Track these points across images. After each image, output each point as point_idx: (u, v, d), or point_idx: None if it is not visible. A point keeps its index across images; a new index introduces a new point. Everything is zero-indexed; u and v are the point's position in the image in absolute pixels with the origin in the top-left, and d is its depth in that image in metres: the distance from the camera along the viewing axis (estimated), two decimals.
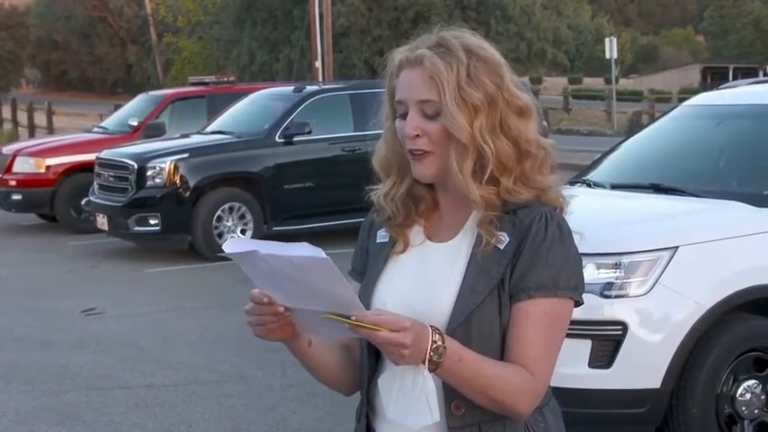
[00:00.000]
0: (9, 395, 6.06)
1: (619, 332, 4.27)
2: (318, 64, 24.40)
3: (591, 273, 4.20)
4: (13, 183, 12.85)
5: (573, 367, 4.12)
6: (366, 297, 1.86)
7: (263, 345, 6.04)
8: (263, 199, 10.71)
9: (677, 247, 4.34)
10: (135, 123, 13.22)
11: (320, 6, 24.49)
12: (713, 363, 4.34)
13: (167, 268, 10.15)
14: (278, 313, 1.73)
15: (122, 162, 10.84)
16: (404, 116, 1.83)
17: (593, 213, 4.55)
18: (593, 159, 6.46)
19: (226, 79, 15.08)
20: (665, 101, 35.12)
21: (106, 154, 11.37)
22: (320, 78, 23.61)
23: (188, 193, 10.46)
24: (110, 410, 5.71)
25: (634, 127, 23.00)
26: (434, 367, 1.68)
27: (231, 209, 10.60)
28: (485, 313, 1.78)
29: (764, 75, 41.66)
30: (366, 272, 1.95)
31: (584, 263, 1.89)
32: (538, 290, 1.77)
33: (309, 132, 10.94)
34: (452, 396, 1.78)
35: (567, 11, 49.78)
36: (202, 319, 7.93)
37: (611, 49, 29.48)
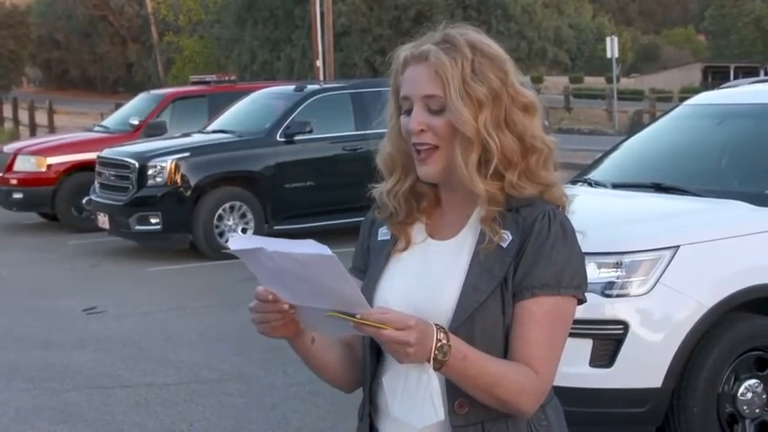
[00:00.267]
0: (10, 394, 6.06)
1: (620, 331, 4.27)
2: (319, 63, 24.40)
3: (592, 272, 4.19)
4: (14, 181, 12.85)
5: (574, 366, 4.11)
6: (368, 295, 1.86)
7: (265, 343, 6.05)
8: (263, 198, 10.72)
9: (678, 247, 4.34)
10: (136, 122, 13.22)
11: (321, 5, 24.48)
12: (714, 362, 4.34)
13: (168, 267, 10.15)
14: (282, 311, 1.73)
15: (123, 161, 10.84)
16: (408, 112, 1.84)
17: (594, 212, 4.55)
18: (594, 158, 6.46)
19: (227, 78, 15.08)
20: (666, 100, 35.11)
21: (107, 153, 11.37)
22: (321, 77, 23.61)
23: (189, 192, 10.47)
24: (111, 409, 5.72)
25: (635, 126, 23.00)
26: (439, 366, 1.68)
27: (232, 208, 10.61)
28: (488, 312, 1.78)
29: (765, 74, 41.65)
30: (367, 270, 1.95)
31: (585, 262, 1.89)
32: (541, 288, 1.77)
33: (310, 131, 10.94)
34: (456, 394, 1.78)
35: (569, 10, 49.76)
36: (203, 317, 7.93)
37: (612, 48, 29.47)
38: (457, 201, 1.88)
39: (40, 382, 6.27)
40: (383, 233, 1.94)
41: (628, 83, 55.64)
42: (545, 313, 1.78)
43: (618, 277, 4.30)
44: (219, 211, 10.51)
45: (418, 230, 1.91)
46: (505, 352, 1.79)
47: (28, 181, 12.78)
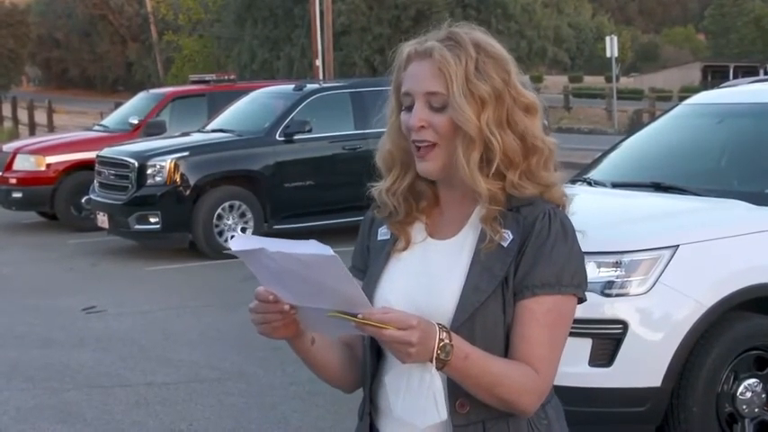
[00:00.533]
0: (10, 393, 6.06)
1: (619, 331, 4.27)
2: (319, 62, 24.40)
3: (591, 271, 4.19)
4: (13, 181, 12.85)
5: (573, 366, 4.11)
6: (368, 295, 1.85)
7: (264, 343, 6.05)
8: (263, 197, 10.72)
9: (678, 246, 4.34)
10: (135, 121, 13.22)
11: (321, 4, 24.48)
12: (714, 361, 4.34)
13: (168, 266, 10.15)
14: (283, 311, 1.73)
15: (123, 160, 10.84)
16: (409, 109, 1.83)
17: (593, 212, 4.55)
18: (594, 158, 6.46)
19: (226, 77, 15.08)
20: (665, 99, 35.12)
21: (107, 152, 11.37)
22: (321, 76, 23.62)
23: (188, 192, 10.47)
24: (110, 408, 5.72)
25: (635, 125, 23.00)
26: (441, 365, 1.68)
27: (231, 207, 10.61)
28: (489, 311, 1.78)
29: (765, 73, 41.65)
30: (367, 269, 1.95)
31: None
32: (542, 287, 1.77)
33: (310, 131, 10.94)
34: (457, 394, 1.78)
35: (568, 9, 49.79)
36: (203, 317, 7.93)
37: (611, 47, 29.46)
38: (456, 199, 1.88)
39: (40, 382, 6.27)
40: (383, 233, 1.94)
41: (627, 82, 55.67)
42: (545, 312, 1.78)
43: (617, 277, 4.30)
44: (219, 210, 10.51)
45: (418, 230, 1.91)
46: (506, 351, 1.79)
47: (27, 180, 12.78)
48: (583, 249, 1.85)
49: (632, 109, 31.11)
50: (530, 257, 1.78)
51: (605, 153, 6.17)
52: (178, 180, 10.45)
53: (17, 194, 12.82)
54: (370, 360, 1.89)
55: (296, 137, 10.89)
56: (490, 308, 1.78)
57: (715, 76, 51.06)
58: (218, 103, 12.88)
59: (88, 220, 11.80)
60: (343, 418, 5.31)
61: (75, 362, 6.69)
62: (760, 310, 4.51)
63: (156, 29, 55.97)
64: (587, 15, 54.08)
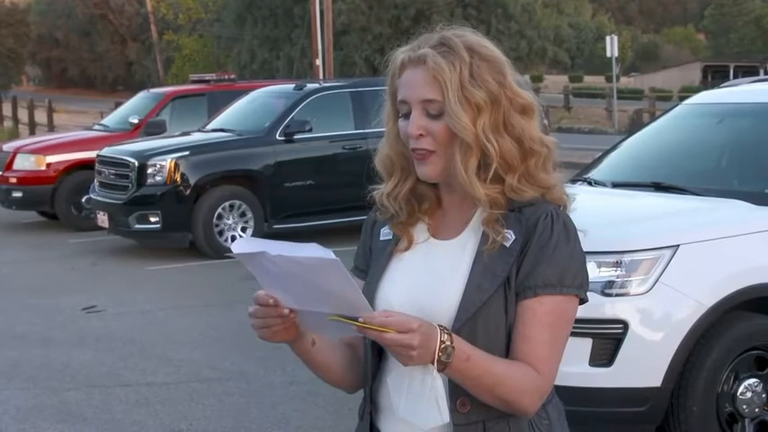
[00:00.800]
0: (10, 393, 6.06)
1: (619, 331, 4.27)
2: (319, 62, 24.40)
3: (592, 271, 4.17)
4: (13, 180, 12.85)
5: (574, 365, 4.11)
6: (370, 295, 1.86)
7: (264, 342, 6.00)
8: (263, 197, 10.71)
9: (678, 246, 4.34)
10: (135, 121, 13.22)
11: (321, 4, 24.48)
12: (714, 361, 4.34)
13: (168, 266, 10.15)
14: (283, 315, 1.73)
15: (123, 159, 10.84)
16: (407, 116, 1.83)
17: (594, 212, 4.55)
18: (594, 158, 6.46)
19: (226, 77, 15.07)
20: (665, 99, 35.12)
21: (107, 151, 11.37)
22: (321, 76, 23.61)
23: (188, 191, 10.46)
24: (111, 408, 5.72)
25: (635, 125, 23.00)
26: (443, 367, 1.68)
27: (232, 207, 10.60)
28: (491, 311, 1.78)
29: (765, 73, 41.65)
30: (369, 270, 1.95)
31: None
32: (544, 288, 1.77)
33: (310, 130, 10.93)
34: (458, 393, 1.78)
35: (568, 9, 49.75)
36: (203, 316, 7.93)
37: (611, 47, 29.45)
38: (458, 201, 1.88)
39: (40, 381, 6.27)
40: (385, 233, 1.94)
41: (627, 82, 55.66)
42: (547, 313, 1.78)
43: (618, 276, 4.30)
44: (219, 209, 10.51)
45: (420, 230, 1.91)
46: (507, 351, 1.79)
47: (27, 179, 12.78)
48: (583, 249, 1.85)
49: (632, 109, 31.10)
50: (532, 258, 1.78)
51: (605, 153, 6.17)
52: (178, 179, 10.45)
53: (17, 194, 12.82)
54: (371, 360, 1.89)
55: (296, 136, 10.89)
56: (492, 307, 1.78)
57: (715, 76, 51.06)
58: (218, 102, 12.88)
59: (88, 219, 11.80)
60: (343, 418, 5.31)
61: (75, 361, 6.69)
62: (760, 309, 4.51)
63: (156, 28, 55.98)
64: (587, 15, 54.04)
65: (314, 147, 11.05)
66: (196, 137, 11.42)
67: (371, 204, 1.97)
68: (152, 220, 10.41)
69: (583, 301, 1.84)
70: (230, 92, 13.13)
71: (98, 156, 11.43)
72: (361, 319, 1.64)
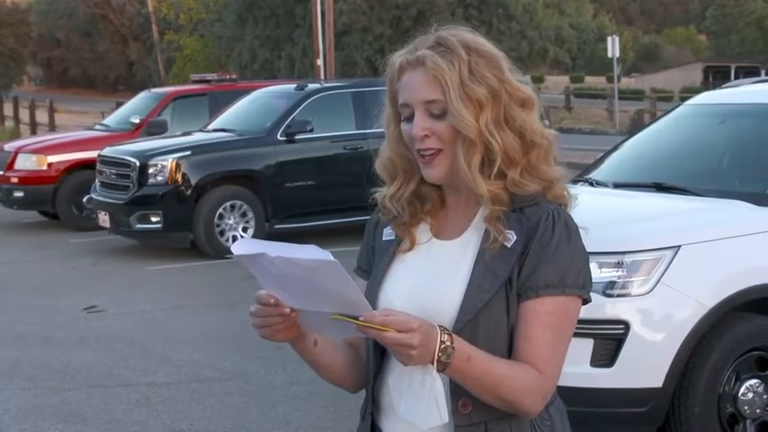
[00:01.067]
0: (11, 392, 6.06)
1: (621, 331, 4.27)
2: (320, 62, 24.40)
3: (593, 272, 4.13)
4: (14, 180, 12.85)
5: (575, 366, 4.11)
6: (372, 295, 1.86)
7: (265, 342, 6.01)
8: (264, 197, 10.71)
9: (679, 247, 4.34)
10: (137, 121, 13.23)
11: (322, 4, 24.48)
12: (715, 362, 4.34)
13: (169, 266, 10.15)
14: (284, 314, 1.73)
15: (124, 159, 10.84)
16: (409, 119, 1.83)
17: (595, 212, 4.54)
18: (595, 158, 6.46)
19: (227, 77, 15.08)
20: (666, 100, 35.11)
21: (108, 151, 11.37)
22: (322, 76, 23.61)
23: (190, 191, 10.46)
24: (111, 408, 5.71)
25: (636, 126, 23.01)
26: (443, 367, 1.68)
27: (233, 207, 10.60)
28: (492, 312, 1.78)
29: (766, 74, 41.65)
30: (372, 270, 1.95)
31: None
32: (546, 288, 1.77)
33: (311, 130, 10.93)
34: (459, 394, 1.78)
35: (569, 9, 49.75)
36: (204, 316, 7.93)
37: (613, 47, 29.45)
38: (461, 202, 1.88)
39: (41, 381, 6.27)
40: (388, 233, 1.94)
41: (628, 82, 55.63)
42: (549, 313, 1.77)
43: (619, 277, 4.30)
44: (220, 209, 10.51)
45: (423, 231, 1.91)
46: (509, 352, 1.79)
47: (29, 179, 12.78)
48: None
49: (633, 109, 31.11)
50: (533, 258, 1.78)
51: (607, 153, 6.17)
52: (179, 179, 10.45)
53: (18, 194, 12.83)
54: (373, 360, 1.89)
55: (297, 137, 10.89)
56: (494, 308, 1.78)
57: (716, 77, 51.05)
58: (219, 102, 12.88)
59: (89, 219, 11.80)
60: (344, 418, 5.31)
61: (75, 361, 6.69)
62: (762, 310, 4.51)
63: (157, 28, 56.00)
64: (588, 16, 54.05)
65: (315, 147, 11.05)
66: (197, 137, 11.42)
67: (373, 205, 1.97)
68: (153, 219, 10.42)
69: (586, 301, 1.84)
70: (231, 92, 13.13)
71: (99, 156, 11.44)
72: (361, 318, 1.64)
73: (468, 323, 1.77)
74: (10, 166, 12.96)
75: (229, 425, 5.40)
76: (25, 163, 12.97)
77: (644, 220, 4.82)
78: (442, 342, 1.67)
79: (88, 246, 11.45)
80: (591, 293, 1.86)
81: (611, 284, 4.30)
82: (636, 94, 44.60)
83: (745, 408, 4.42)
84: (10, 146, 13.85)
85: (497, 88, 1.80)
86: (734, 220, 4.67)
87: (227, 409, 5.65)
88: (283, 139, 10.87)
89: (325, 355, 1.88)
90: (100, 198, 11.06)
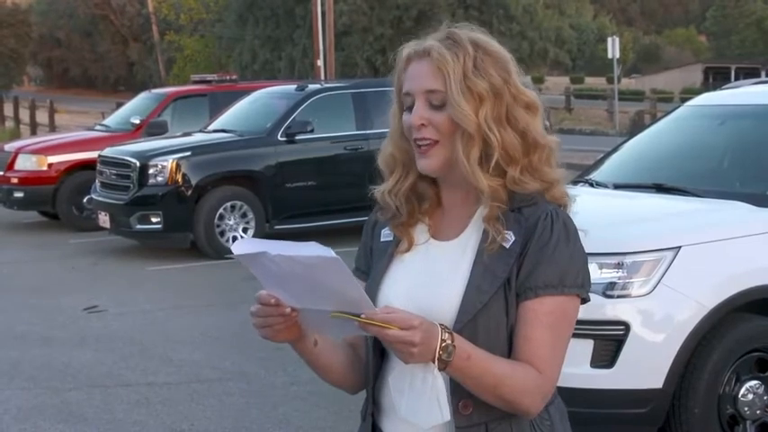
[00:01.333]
0: (11, 392, 6.06)
1: (621, 332, 4.27)
2: (320, 62, 24.41)
3: (593, 272, 4.18)
4: (15, 180, 12.86)
5: (575, 367, 4.11)
6: (371, 296, 1.85)
7: (265, 343, 6.01)
8: (264, 197, 10.72)
9: (680, 248, 4.34)
10: (137, 121, 13.23)
11: (322, 5, 24.48)
12: (715, 363, 4.34)
13: (169, 266, 10.16)
14: (285, 314, 1.73)
15: (124, 160, 10.85)
16: (410, 109, 1.84)
17: (595, 213, 4.55)
18: (595, 159, 6.46)
19: (228, 77, 15.08)
20: (667, 101, 35.10)
21: (108, 152, 11.37)
22: (322, 77, 23.62)
23: (190, 192, 10.47)
24: (111, 408, 5.72)
25: (636, 127, 23.01)
26: (443, 366, 1.68)
27: (233, 207, 10.61)
28: (491, 312, 1.78)
29: (767, 75, 41.64)
30: (370, 271, 1.95)
31: None
32: (545, 288, 1.77)
33: (311, 131, 10.94)
34: (460, 395, 1.78)
35: (570, 10, 49.75)
36: (204, 316, 7.94)
37: (613, 48, 29.45)
38: (458, 200, 1.88)
39: (41, 381, 6.27)
40: (386, 234, 1.94)
41: (628, 83, 55.61)
42: (548, 313, 1.78)
43: (619, 278, 4.30)
44: (220, 210, 10.51)
45: (421, 231, 1.91)
46: (509, 352, 1.79)
47: (29, 180, 12.79)
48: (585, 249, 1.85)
49: (634, 110, 31.10)
50: (532, 258, 1.78)
51: (607, 154, 6.17)
52: (180, 180, 10.45)
53: (19, 194, 12.83)
54: (373, 360, 1.89)
55: (297, 137, 10.90)
56: (493, 309, 1.78)
57: (716, 78, 51.02)
58: (219, 103, 12.88)
59: (90, 219, 11.81)
60: (344, 419, 5.31)
61: (76, 361, 6.69)
62: (762, 311, 4.51)
63: (157, 29, 56.03)
64: (589, 16, 54.03)
65: (315, 147, 11.06)
66: (198, 137, 11.43)
67: (372, 205, 1.97)
68: (153, 220, 10.42)
69: (585, 300, 1.84)
70: (232, 92, 13.13)
71: (100, 156, 11.44)
72: (363, 316, 1.64)
73: (468, 324, 1.77)
74: (10, 167, 12.96)
75: (229, 425, 5.40)
76: (25, 163, 12.97)
77: (644, 220, 4.82)
78: (443, 340, 1.67)
79: (88, 246, 11.45)
80: (591, 294, 1.86)
81: (612, 285, 4.30)
82: (636, 95, 44.58)
83: (746, 409, 4.42)
84: (10, 146, 13.86)
85: (500, 86, 1.80)
86: (734, 221, 4.67)
87: (227, 409, 5.65)
88: (284, 139, 10.88)
89: (326, 356, 1.88)
90: (100, 198, 11.07)
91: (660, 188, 5.24)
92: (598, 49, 46.46)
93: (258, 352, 6.60)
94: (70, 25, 63.39)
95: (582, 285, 1.81)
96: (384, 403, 1.89)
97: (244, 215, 10.65)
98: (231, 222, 10.57)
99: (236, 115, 11.78)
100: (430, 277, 1.84)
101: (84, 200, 12.33)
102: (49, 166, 12.80)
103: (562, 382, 1.86)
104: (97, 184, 11.30)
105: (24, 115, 29.21)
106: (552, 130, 1.96)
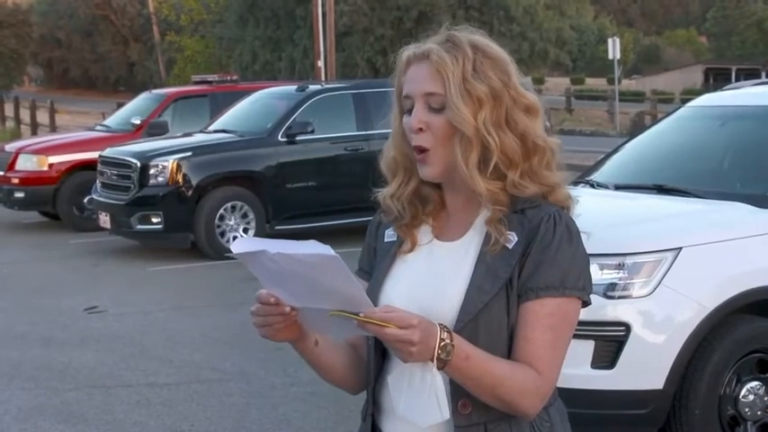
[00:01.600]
0: (11, 393, 6.06)
1: (622, 333, 4.27)
2: (321, 63, 24.42)
3: (594, 273, 4.15)
4: (15, 180, 12.86)
5: (576, 368, 4.11)
6: (373, 296, 1.85)
7: (265, 343, 6.04)
8: (265, 198, 10.72)
9: (681, 248, 4.34)
10: (138, 122, 13.23)
11: (323, 5, 24.50)
12: (716, 364, 4.34)
13: (169, 267, 10.16)
14: (284, 314, 1.73)
15: (125, 160, 10.85)
16: (410, 112, 1.84)
17: (596, 214, 4.54)
18: (596, 160, 6.46)
19: (228, 78, 15.08)
20: (667, 102, 35.11)
21: (109, 152, 11.37)
22: (323, 77, 23.63)
23: (190, 192, 10.47)
24: (112, 409, 5.72)
25: (637, 128, 23.01)
26: (442, 365, 1.68)
27: (233, 208, 10.61)
28: (492, 312, 1.78)
29: (767, 76, 41.63)
30: (373, 271, 1.95)
31: None
32: (546, 290, 1.77)
33: (312, 131, 10.94)
34: (459, 395, 1.78)
35: (570, 11, 49.78)
36: (204, 317, 7.93)
37: (613, 49, 29.45)
38: (461, 203, 1.88)
39: (42, 381, 6.27)
40: (389, 235, 1.94)
41: (629, 84, 55.62)
42: (549, 315, 1.77)
43: (620, 279, 4.30)
44: (221, 210, 10.51)
45: (424, 232, 1.91)
46: (509, 353, 1.79)
47: (29, 180, 12.79)
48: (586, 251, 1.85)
49: (634, 111, 31.12)
50: (534, 260, 1.78)
51: (608, 155, 6.17)
52: (180, 180, 10.45)
53: (19, 194, 12.83)
54: (374, 360, 1.89)
55: (298, 138, 10.90)
56: (494, 309, 1.78)
57: (717, 79, 51.04)
58: (220, 103, 12.89)
59: (90, 220, 11.81)
60: (344, 419, 5.31)
61: (76, 362, 6.69)
62: (762, 312, 4.51)
63: (158, 29, 56.04)
64: (589, 17, 54.09)
65: (316, 148, 11.06)
66: (198, 138, 11.43)
67: (375, 206, 1.97)
68: (154, 220, 10.42)
69: (586, 303, 1.84)
70: (232, 93, 13.14)
71: (100, 156, 11.44)
72: (362, 314, 1.64)
73: (469, 323, 1.77)
74: (11, 167, 12.97)
75: (230, 426, 5.40)
76: (26, 163, 12.97)
77: (645, 221, 4.82)
78: (442, 339, 1.67)
79: (89, 246, 11.45)
80: (592, 295, 1.86)
81: (612, 286, 4.30)
82: (636, 96, 44.59)
83: (746, 410, 4.42)
84: (11, 146, 13.86)
85: (500, 90, 1.80)
86: (735, 222, 4.67)
87: (227, 409, 5.65)
88: (284, 140, 10.88)
89: (326, 356, 1.88)
90: (101, 199, 11.07)
91: (661, 189, 5.24)
92: (598, 49, 46.49)
93: (258, 352, 6.60)
94: (71, 26, 63.41)
95: (583, 288, 1.81)
96: (384, 403, 1.89)
97: (244, 216, 10.65)
98: (232, 223, 10.57)
99: (236, 116, 11.78)
100: (432, 277, 1.84)
101: (85, 200, 12.33)
102: (50, 166, 12.80)
103: (563, 383, 1.86)
104: (98, 184, 11.30)
105: (25, 115, 29.22)
106: (553, 131, 1.95)
